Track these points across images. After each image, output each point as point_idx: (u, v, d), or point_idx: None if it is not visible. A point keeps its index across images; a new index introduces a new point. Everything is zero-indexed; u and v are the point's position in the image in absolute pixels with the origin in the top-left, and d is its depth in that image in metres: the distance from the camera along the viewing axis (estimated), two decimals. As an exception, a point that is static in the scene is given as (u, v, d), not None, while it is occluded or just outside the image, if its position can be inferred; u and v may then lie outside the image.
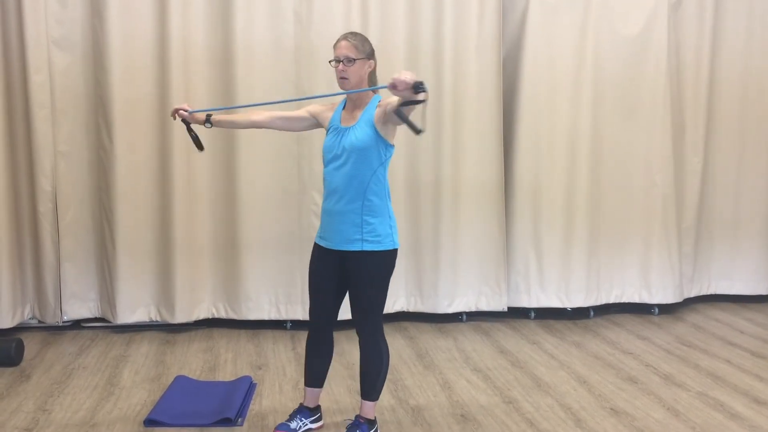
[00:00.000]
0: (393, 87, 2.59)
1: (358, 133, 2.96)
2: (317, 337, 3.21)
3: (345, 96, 3.07)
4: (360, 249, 2.98)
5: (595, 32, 5.04)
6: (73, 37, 4.60)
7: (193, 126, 3.29)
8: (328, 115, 3.12)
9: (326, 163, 3.04)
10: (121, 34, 4.54)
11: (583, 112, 5.09)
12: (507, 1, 5.04)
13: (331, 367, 3.81)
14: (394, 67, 4.82)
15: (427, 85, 2.56)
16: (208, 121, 3.20)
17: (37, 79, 4.50)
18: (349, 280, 3.07)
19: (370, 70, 3.02)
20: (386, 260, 3.03)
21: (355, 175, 2.95)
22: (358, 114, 3.01)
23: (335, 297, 3.15)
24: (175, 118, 3.25)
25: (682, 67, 5.32)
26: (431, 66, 4.88)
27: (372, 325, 3.08)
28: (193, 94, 4.66)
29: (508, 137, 5.12)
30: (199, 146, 3.32)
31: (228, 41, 4.65)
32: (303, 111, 3.21)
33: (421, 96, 2.56)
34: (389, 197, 3.07)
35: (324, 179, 3.06)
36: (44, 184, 4.59)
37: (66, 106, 4.62)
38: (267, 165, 4.72)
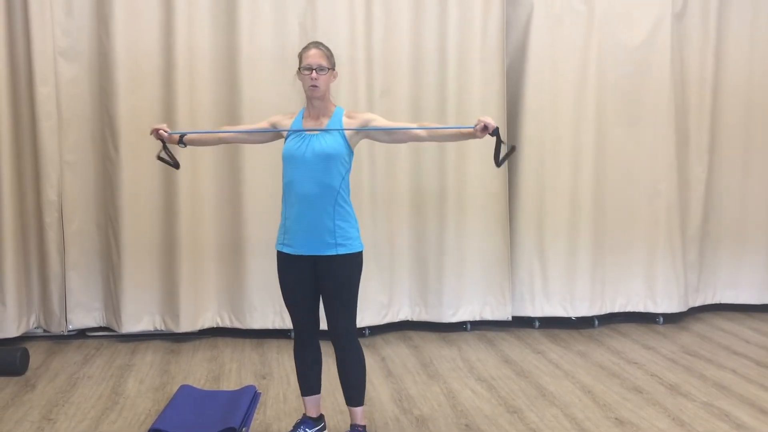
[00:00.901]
0: (484, 129, 2.88)
1: (329, 140, 3.00)
2: (303, 345, 3.23)
3: (304, 104, 3.13)
4: (335, 253, 3.01)
5: (598, 41, 5.05)
6: (80, 48, 4.63)
7: (170, 146, 3.30)
8: (287, 123, 3.14)
9: (291, 169, 3.02)
10: (126, 45, 4.57)
11: (587, 121, 5.10)
12: (510, 11, 5.06)
13: (334, 377, 3.81)
14: (397, 77, 4.85)
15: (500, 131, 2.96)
16: (181, 141, 3.25)
17: (44, 90, 4.53)
18: (322, 285, 3.08)
19: (334, 80, 3.11)
20: (358, 262, 3.09)
21: (327, 182, 2.99)
22: (325, 121, 3.06)
23: (313, 303, 3.15)
24: (156, 138, 3.22)
25: (686, 76, 5.32)
26: (435, 75, 4.89)
27: (349, 328, 3.10)
28: (198, 103, 4.68)
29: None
30: (175, 165, 3.30)
31: (233, 51, 4.68)
32: (264, 123, 3.23)
33: (497, 138, 2.94)
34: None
35: (288, 184, 3.04)
36: (50, 194, 4.61)
37: (72, 116, 4.65)
38: (270, 175, 4.70)
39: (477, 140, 4.85)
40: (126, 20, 4.56)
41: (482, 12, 4.89)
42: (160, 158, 3.26)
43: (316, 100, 3.05)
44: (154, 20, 4.61)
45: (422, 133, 3.07)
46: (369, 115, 3.11)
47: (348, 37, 4.70)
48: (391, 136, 3.10)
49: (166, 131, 3.19)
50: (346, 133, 3.03)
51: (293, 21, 4.71)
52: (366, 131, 3.07)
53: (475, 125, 2.90)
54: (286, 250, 3.09)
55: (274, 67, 4.71)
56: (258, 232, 4.76)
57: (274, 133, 3.22)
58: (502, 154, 2.98)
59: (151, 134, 3.24)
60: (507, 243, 5.10)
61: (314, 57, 3.02)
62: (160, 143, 3.25)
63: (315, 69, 3.00)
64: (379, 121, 3.08)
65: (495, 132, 2.91)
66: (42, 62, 4.51)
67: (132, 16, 4.58)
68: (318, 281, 3.09)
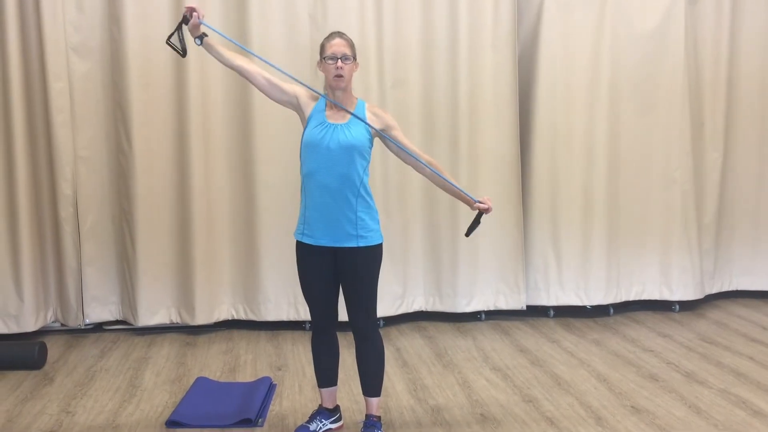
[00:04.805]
0: (485, 209, 3.16)
1: (354, 131, 3.00)
2: (322, 337, 3.23)
3: (325, 92, 3.09)
4: (356, 245, 3.01)
5: (611, 28, 5.01)
6: (91, 43, 4.65)
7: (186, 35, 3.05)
8: (309, 104, 3.08)
9: (313, 159, 2.99)
10: (138, 39, 4.58)
11: (601, 109, 5.06)
12: (522, -2, 5.03)
13: (349, 368, 3.82)
14: (408, 67, 4.84)
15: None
16: (200, 38, 2.99)
17: (57, 86, 4.56)
18: (342, 276, 3.08)
19: (356, 70, 3.09)
20: (379, 253, 3.10)
21: (351, 173, 2.98)
22: (348, 114, 3.04)
23: (332, 294, 3.15)
24: (188, 15, 2.95)
25: (700, 62, 5.27)
26: (446, 65, 4.87)
27: (371, 320, 3.12)
28: (210, 97, 4.69)
29: (524, 135, 5.11)
30: (184, 53, 3.06)
31: (244, 44, 4.67)
32: (288, 86, 3.11)
33: (478, 216, 3.22)
34: None
35: (309, 174, 3.01)
36: (65, 189, 4.64)
37: (85, 111, 4.68)
38: (284, 167, 4.73)
39: (488, 128, 4.93)
40: (137, 16, 4.57)
41: (493, 0, 4.86)
42: (170, 43, 3.01)
43: (339, 91, 3.03)
44: (164, 15, 4.61)
45: (426, 170, 3.14)
46: (392, 122, 3.12)
47: (358, 27, 4.69)
48: (398, 152, 3.13)
49: (201, 16, 2.95)
50: (370, 128, 3.04)
51: (303, 13, 4.71)
52: (385, 134, 3.09)
53: (479, 200, 3.13)
54: (306, 240, 3.07)
55: (285, 59, 4.70)
56: (272, 224, 4.78)
57: (289, 99, 3.10)
58: (473, 230, 3.24)
59: (185, 13, 2.95)
60: (521, 232, 5.09)
61: (338, 46, 3.00)
62: (179, 28, 3.00)
63: (340, 58, 2.98)
64: (398, 131, 3.11)
65: (481, 213, 3.17)
66: (55, 58, 4.53)
67: (143, 11, 4.58)
68: (338, 273, 3.09)
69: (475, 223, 3.20)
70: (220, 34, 3.15)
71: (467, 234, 3.26)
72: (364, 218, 3.03)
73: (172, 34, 3.04)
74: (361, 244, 3.02)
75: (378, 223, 3.11)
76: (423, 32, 4.85)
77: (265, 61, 3.20)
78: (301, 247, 3.11)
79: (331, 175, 2.98)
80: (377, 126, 3.07)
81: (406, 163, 3.19)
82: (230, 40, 3.34)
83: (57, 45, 4.54)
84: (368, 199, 3.06)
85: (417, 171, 3.21)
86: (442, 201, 4.96)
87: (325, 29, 4.61)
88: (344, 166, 2.97)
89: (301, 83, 3.12)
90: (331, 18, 4.68)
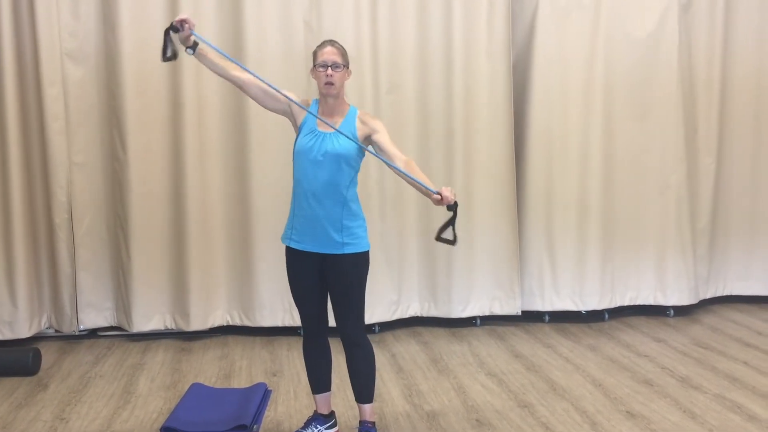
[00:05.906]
0: (440, 201, 2.81)
1: (343, 140, 2.99)
2: (313, 342, 3.24)
3: (318, 98, 3.08)
4: (341, 252, 3.02)
5: (605, 34, 5.04)
6: (86, 49, 4.65)
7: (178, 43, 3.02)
8: (301, 111, 3.09)
9: (302, 166, 3.01)
10: (133, 46, 4.58)
11: (595, 115, 5.08)
12: (516, 4, 5.04)
13: (344, 374, 3.82)
14: (403, 73, 4.85)
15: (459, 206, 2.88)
16: (193, 48, 2.99)
17: (52, 92, 4.55)
18: (330, 283, 3.09)
19: (348, 78, 3.10)
20: (365, 261, 3.10)
21: (337, 181, 2.99)
22: (339, 121, 3.05)
23: (321, 299, 3.16)
24: (179, 25, 2.94)
25: (694, 67, 5.30)
26: (442, 71, 4.88)
27: (357, 326, 3.12)
28: (205, 103, 4.69)
29: (519, 141, 5.12)
30: (173, 57, 3.02)
31: (239, 50, 4.68)
32: (281, 94, 3.08)
33: (453, 214, 2.85)
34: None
35: (298, 181, 3.03)
36: (60, 195, 4.63)
37: (80, 117, 4.67)
38: (279, 172, 4.72)
39: (483, 133, 4.94)
40: (132, 21, 4.57)
41: (488, 6, 4.88)
42: (166, 60, 3.01)
43: (330, 98, 3.05)
44: (159, 21, 4.60)
45: (400, 165, 2.95)
46: (378, 126, 3.05)
47: (353, 34, 4.69)
48: (384, 152, 3.03)
49: (192, 27, 2.93)
50: (358, 135, 3.03)
51: (298, 19, 4.71)
52: (370, 139, 3.06)
53: (437, 191, 2.81)
54: (294, 245, 3.09)
55: (281, 65, 4.72)
56: (267, 230, 4.77)
57: (283, 107, 3.11)
58: (445, 235, 2.86)
59: (175, 22, 2.93)
60: (516, 237, 5.09)
61: (329, 54, 3.02)
62: (171, 37, 2.95)
63: (330, 66, 2.99)
64: (382, 134, 3.02)
65: (452, 207, 2.83)
66: (49, 64, 4.53)
67: (138, 17, 4.58)
68: (326, 279, 3.10)
69: (447, 225, 2.86)
70: (211, 46, 3.06)
71: (437, 237, 2.89)
72: (351, 226, 3.04)
73: (165, 48, 2.99)
74: (347, 251, 3.03)
75: (365, 231, 3.10)
76: (418, 37, 4.86)
77: (255, 75, 3.10)
78: (289, 251, 3.13)
79: (318, 183, 2.98)
80: (362, 133, 3.03)
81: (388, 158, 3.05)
82: (222, 53, 3.23)
83: (52, 51, 4.53)
84: (355, 207, 3.06)
85: (397, 174, 3.05)
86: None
87: (320, 35, 4.62)
88: (330, 173, 2.98)
89: (290, 99, 3.04)
90: (326, 24, 4.68)
